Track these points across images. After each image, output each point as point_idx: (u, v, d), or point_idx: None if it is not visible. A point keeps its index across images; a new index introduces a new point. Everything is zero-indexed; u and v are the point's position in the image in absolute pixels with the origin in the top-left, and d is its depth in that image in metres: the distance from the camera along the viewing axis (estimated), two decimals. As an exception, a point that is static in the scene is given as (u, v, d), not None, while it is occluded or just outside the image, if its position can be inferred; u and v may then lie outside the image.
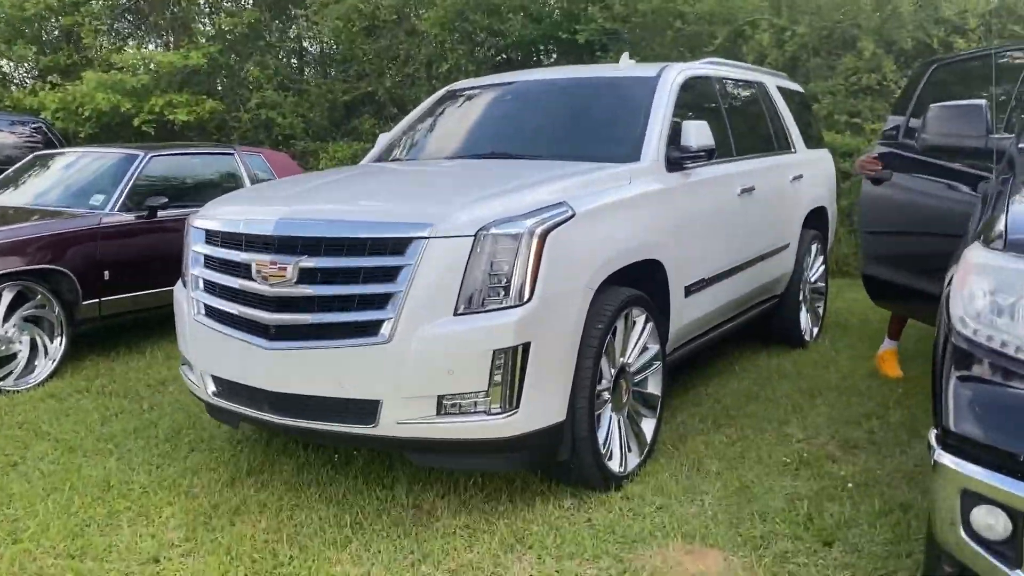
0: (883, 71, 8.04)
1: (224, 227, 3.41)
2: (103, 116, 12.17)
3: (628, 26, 8.89)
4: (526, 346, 2.98)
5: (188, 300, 3.57)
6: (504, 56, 11.86)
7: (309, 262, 3.08)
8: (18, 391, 4.89)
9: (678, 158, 3.90)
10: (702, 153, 3.91)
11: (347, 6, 10.92)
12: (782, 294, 5.37)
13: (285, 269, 3.11)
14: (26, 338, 5.03)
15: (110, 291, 5.42)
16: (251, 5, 13.64)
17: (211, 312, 3.44)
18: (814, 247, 5.71)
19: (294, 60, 14.59)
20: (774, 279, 5.15)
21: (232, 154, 6.50)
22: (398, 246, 3.01)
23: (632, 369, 3.54)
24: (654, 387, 3.67)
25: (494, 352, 2.90)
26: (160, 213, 5.68)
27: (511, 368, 2.93)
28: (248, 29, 13.23)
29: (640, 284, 3.54)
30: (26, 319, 5.02)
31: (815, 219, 5.75)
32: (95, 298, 5.33)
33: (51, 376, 5.11)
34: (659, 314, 3.71)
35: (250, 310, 3.22)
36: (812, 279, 5.75)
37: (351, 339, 3.03)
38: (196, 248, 3.55)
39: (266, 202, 3.55)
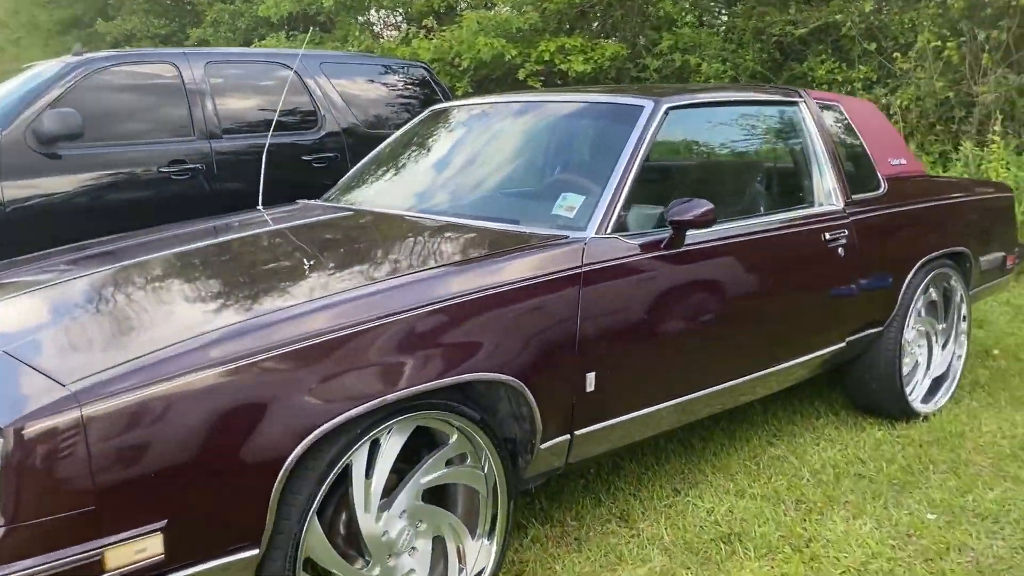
0: None
1: None
2: (482, 67, 9.78)
3: None
4: None
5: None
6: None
7: None
8: None
9: None
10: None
11: None
12: None
13: None
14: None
15: (589, 416, 2.43)
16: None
17: None
18: None
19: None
20: None
21: (797, 103, 3.23)
22: None
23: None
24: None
25: None
26: (690, 234, 2.58)
27: None
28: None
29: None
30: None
31: None
32: (564, 434, 2.37)
33: None
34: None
35: None
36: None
37: None
38: None
39: None
